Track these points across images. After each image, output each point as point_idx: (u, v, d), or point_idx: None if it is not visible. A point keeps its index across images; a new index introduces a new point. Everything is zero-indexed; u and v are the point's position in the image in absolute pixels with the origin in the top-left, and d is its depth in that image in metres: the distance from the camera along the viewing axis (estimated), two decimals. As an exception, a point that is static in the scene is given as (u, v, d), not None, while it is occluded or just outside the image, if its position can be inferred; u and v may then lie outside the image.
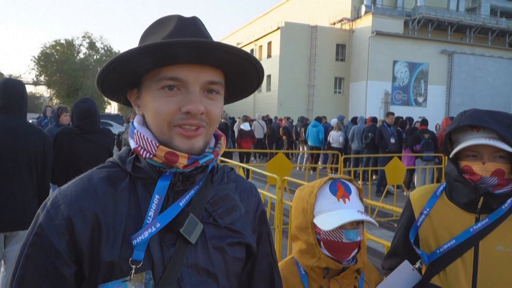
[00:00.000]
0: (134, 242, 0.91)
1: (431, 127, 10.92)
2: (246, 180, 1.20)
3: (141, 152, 0.97)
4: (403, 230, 1.72)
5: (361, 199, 1.53)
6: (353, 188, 1.52)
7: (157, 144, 0.95)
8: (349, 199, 1.47)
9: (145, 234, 0.91)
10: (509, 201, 1.49)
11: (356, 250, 1.49)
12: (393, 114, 11.64)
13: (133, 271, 0.90)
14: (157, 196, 0.95)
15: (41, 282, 0.89)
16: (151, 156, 0.95)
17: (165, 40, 0.90)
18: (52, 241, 0.90)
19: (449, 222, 1.57)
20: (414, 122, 13.18)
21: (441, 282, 1.55)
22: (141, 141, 0.98)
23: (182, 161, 0.94)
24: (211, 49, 0.91)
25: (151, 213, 0.94)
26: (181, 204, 0.97)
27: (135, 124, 1.03)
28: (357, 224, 1.47)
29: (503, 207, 1.49)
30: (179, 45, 0.88)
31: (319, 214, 1.47)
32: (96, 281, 0.91)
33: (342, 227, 1.43)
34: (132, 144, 0.99)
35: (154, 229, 0.92)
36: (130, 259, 0.91)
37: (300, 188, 1.60)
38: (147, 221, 0.93)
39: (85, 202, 0.93)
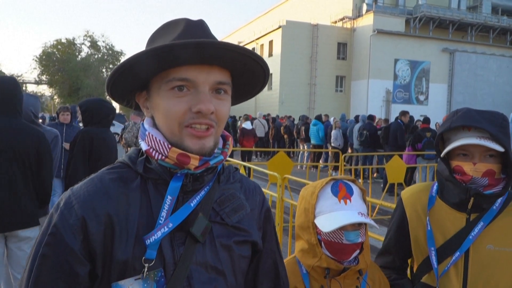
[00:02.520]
0: (147, 241, 0.94)
1: (431, 125, 10.90)
2: (250, 179, 1.23)
3: (153, 154, 0.99)
4: (394, 229, 1.73)
5: (364, 200, 1.53)
6: (355, 189, 1.51)
7: (169, 146, 0.97)
8: (350, 200, 1.47)
9: (158, 234, 0.94)
10: (499, 200, 1.51)
11: (358, 251, 1.50)
12: (408, 112, 11.50)
13: (146, 269, 0.93)
14: (169, 197, 0.98)
15: (57, 281, 0.92)
16: (163, 157, 0.98)
17: (172, 42, 0.92)
18: (67, 241, 0.92)
19: (440, 222, 1.58)
20: (415, 121, 13.16)
21: (432, 280, 1.56)
22: (153, 142, 1.00)
23: (194, 162, 0.97)
24: (218, 49, 0.93)
25: (163, 213, 0.97)
26: (192, 204, 1.00)
27: (146, 126, 1.04)
28: (359, 225, 1.47)
29: (494, 207, 1.51)
30: (186, 46, 0.90)
31: (320, 214, 1.48)
32: (109, 279, 0.94)
33: (342, 228, 1.43)
34: (144, 146, 1.01)
35: (166, 229, 0.95)
36: (143, 258, 0.94)
37: (305, 188, 1.61)
38: (160, 221, 0.96)
39: (98, 203, 0.95)
